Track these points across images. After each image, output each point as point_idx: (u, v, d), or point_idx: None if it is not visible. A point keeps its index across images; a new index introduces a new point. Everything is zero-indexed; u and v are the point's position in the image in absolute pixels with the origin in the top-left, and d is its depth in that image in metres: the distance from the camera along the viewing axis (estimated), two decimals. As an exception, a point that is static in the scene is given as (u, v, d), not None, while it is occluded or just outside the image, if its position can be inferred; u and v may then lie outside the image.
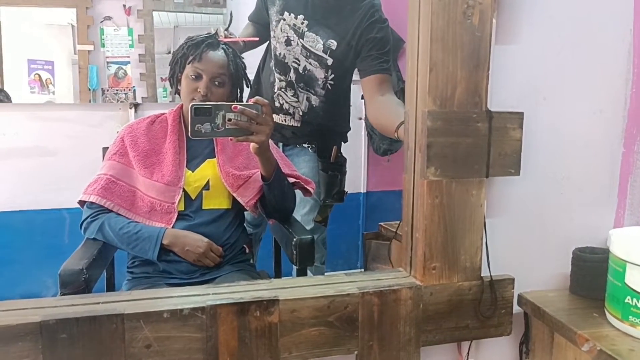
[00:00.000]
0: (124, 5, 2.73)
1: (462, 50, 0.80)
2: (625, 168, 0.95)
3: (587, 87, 0.92)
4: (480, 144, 0.82)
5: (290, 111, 1.66)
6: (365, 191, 2.92)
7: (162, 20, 2.89)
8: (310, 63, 1.58)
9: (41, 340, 0.67)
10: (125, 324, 0.70)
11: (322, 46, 1.56)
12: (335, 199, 1.69)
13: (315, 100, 1.64)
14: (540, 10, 0.88)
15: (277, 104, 1.66)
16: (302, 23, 1.56)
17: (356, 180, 2.92)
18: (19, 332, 0.67)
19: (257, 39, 1.54)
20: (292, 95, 1.64)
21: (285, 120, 1.67)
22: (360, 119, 2.89)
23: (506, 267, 0.89)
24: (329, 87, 1.62)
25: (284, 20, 1.59)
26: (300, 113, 1.65)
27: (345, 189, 1.72)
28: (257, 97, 1.14)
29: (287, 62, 1.61)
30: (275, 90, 1.66)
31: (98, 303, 0.74)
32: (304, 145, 1.70)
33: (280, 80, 1.64)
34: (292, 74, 1.61)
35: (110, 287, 1.37)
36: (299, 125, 1.67)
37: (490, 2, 0.80)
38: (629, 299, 0.77)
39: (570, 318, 0.83)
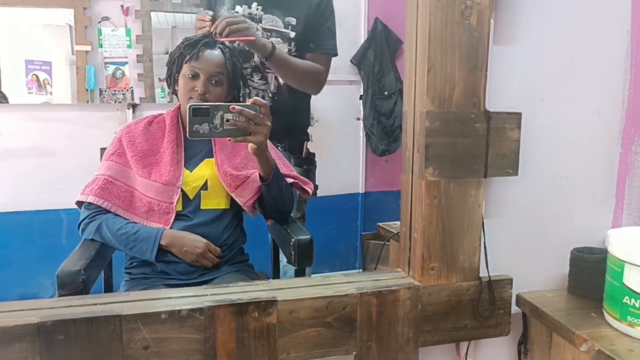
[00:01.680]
0: (122, 6, 2.73)
1: (460, 50, 0.80)
2: (623, 168, 0.95)
3: (584, 88, 0.92)
4: (478, 144, 0.83)
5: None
6: (363, 191, 2.93)
7: (160, 21, 2.90)
8: (272, 42, 1.62)
9: (38, 342, 0.67)
10: (123, 325, 0.70)
11: (282, 23, 1.64)
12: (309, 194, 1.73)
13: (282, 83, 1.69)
14: (538, 11, 0.88)
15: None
16: (257, 9, 1.63)
17: (354, 181, 2.92)
18: (17, 333, 0.67)
19: (253, 38, 1.54)
20: (259, 79, 1.68)
21: None
22: (359, 119, 2.89)
23: (504, 267, 0.90)
24: (295, 56, 1.67)
25: (237, 13, 1.66)
26: (270, 95, 1.69)
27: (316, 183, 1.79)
28: (255, 97, 1.14)
29: (249, 49, 1.64)
30: None
31: (96, 304, 0.74)
32: (274, 143, 1.73)
33: (245, 68, 1.67)
34: (255, 58, 1.65)
35: (108, 288, 1.37)
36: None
37: (488, 3, 0.80)
38: (627, 299, 0.77)
39: (568, 318, 0.83)
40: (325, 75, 1.71)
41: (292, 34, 1.65)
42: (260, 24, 1.65)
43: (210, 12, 1.49)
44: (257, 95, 1.69)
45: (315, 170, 1.79)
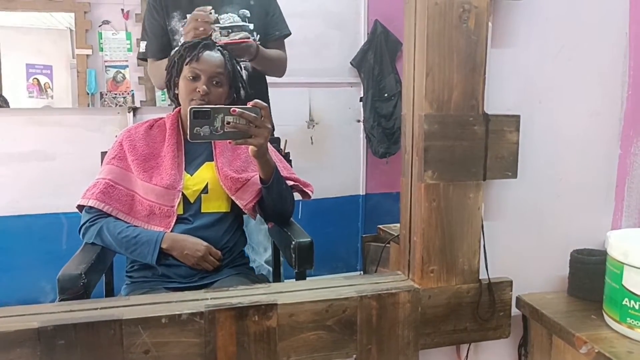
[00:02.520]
0: (122, 10, 2.73)
1: (458, 54, 0.80)
2: (622, 170, 0.95)
3: (583, 90, 0.93)
4: (477, 147, 0.83)
5: None
6: (364, 193, 2.93)
7: (160, 24, 2.89)
8: (233, 38, 1.66)
9: (39, 347, 0.67)
10: (123, 329, 0.70)
11: (239, 17, 1.68)
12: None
13: (249, 67, 1.74)
14: (536, 13, 0.88)
15: None
16: (211, 13, 1.65)
17: (355, 183, 2.92)
18: (17, 338, 0.67)
19: (250, 40, 1.57)
20: None
21: None
22: (359, 121, 2.90)
23: (504, 269, 0.90)
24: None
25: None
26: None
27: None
28: (255, 100, 1.14)
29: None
30: None
31: (96, 309, 0.74)
32: None
33: None
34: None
35: (109, 291, 1.37)
36: None
37: (486, 6, 0.80)
38: (626, 301, 0.77)
39: (568, 320, 0.83)
40: (286, 58, 1.82)
41: (251, 26, 1.69)
42: (217, 25, 1.67)
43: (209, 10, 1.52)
44: None
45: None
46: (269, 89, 1.86)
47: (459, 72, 0.81)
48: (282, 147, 1.74)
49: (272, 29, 1.77)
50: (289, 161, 1.79)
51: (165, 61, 1.68)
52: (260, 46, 1.63)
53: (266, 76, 1.85)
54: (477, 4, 0.80)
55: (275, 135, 1.79)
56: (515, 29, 0.87)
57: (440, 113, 0.81)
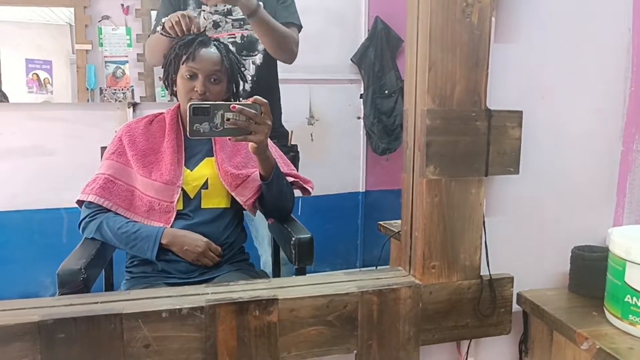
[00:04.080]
0: (122, 5, 2.72)
1: (461, 48, 0.80)
2: (624, 166, 0.95)
3: (586, 86, 0.92)
4: (479, 142, 0.82)
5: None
6: (364, 190, 2.92)
7: (160, 20, 2.89)
8: (247, 29, 1.69)
9: (39, 340, 0.67)
10: (123, 323, 0.70)
11: None
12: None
13: (259, 59, 1.75)
14: (539, 8, 0.88)
15: None
16: (225, 5, 1.67)
17: (355, 180, 2.92)
18: (17, 331, 0.67)
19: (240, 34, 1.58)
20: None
21: None
22: (359, 118, 2.89)
23: (505, 265, 0.89)
24: None
25: (204, 10, 1.70)
26: (249, 78, 1.73)
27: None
28: (255, 96, 1.14)
29: (222, 41, 1.67)
30: None
31: (96, 303, 0.74)
32: None
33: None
34: (231, 48, 1.67)
35: (109, 286, 1.37)
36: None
37: (490, 1, 0.80)
38: (628, 298, 0.77)
39: (569, 317, 0.83)
40: (297, 45, 1.73)
41: None
42: (230, 16, 1.69)
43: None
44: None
45: (298, 161, 1.79)
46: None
47: (462, 67, 0.80)
48: (291, 141, 1.75)
49: (278, 16, 1.70)
50: (297, 154, 1.78)
51: (157, 36, 1.57)
52: (262, 7, 1.56)
53: (276, 70, 1.83)
54: (480, -1, 0.79)
55: (282, 129, 1.79)
56: (519, 24, 0.87)
57: (443, 108, 0.80)
